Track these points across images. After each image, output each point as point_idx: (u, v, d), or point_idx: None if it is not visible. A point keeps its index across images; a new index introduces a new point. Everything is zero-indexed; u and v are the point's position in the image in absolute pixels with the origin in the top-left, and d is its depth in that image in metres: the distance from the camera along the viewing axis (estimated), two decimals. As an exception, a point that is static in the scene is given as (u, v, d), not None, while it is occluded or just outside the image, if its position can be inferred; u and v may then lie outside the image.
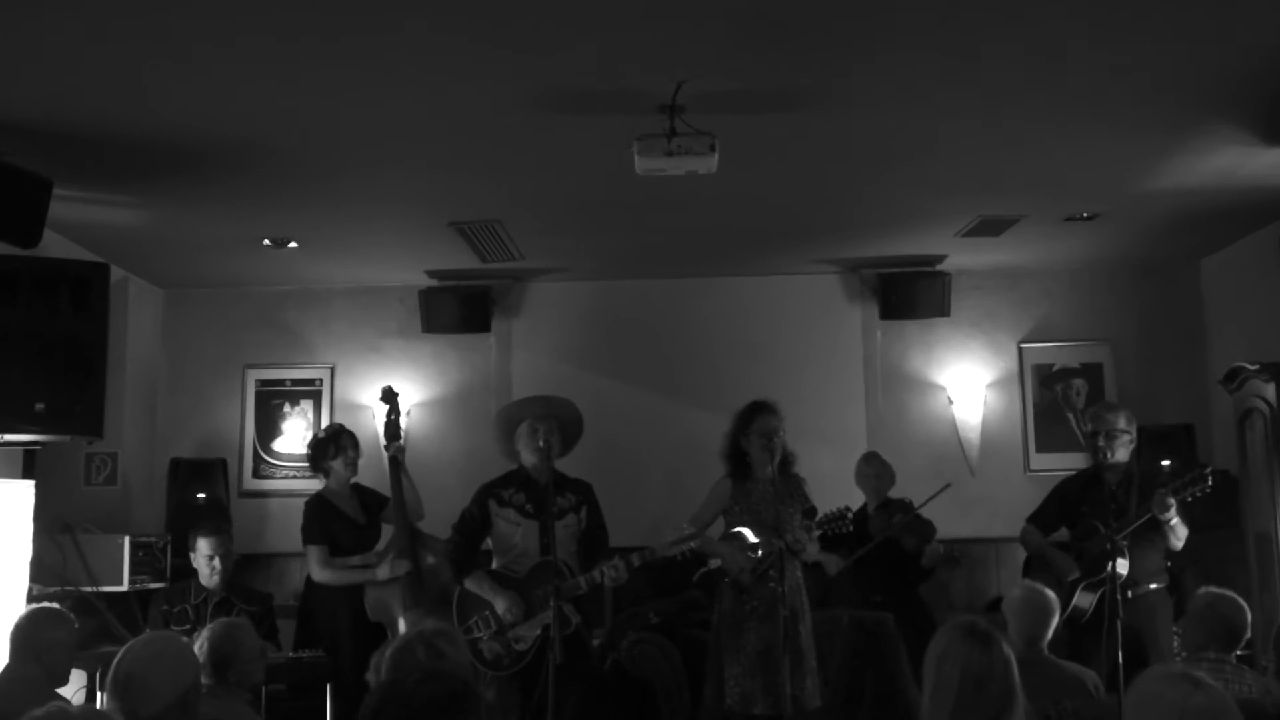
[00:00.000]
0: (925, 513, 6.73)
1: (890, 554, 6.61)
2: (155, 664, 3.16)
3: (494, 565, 5.68)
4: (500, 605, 5.44)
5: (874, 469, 6.98)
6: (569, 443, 5.77)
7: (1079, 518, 5.98)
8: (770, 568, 5.53)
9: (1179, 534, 5.71)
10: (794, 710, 5.45)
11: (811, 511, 5.73)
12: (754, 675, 5.54)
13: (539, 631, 5.33)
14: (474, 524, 5.67)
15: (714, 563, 5.89)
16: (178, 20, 4.08)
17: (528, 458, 5.62)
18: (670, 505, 6.62)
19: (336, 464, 6.31)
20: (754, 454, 5.77)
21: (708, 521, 5.80)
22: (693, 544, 5.52)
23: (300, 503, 6.44)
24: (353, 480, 6.41)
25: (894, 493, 6.97)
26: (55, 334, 5.45)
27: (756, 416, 5.81)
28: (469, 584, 5.56)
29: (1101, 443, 5.89)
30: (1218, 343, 8.01)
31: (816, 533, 5.68)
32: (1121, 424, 5.92)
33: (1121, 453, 5.91)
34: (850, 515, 5.81)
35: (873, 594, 6.38)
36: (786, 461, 5.80)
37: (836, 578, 6.58)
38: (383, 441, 6.32)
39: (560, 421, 5.67)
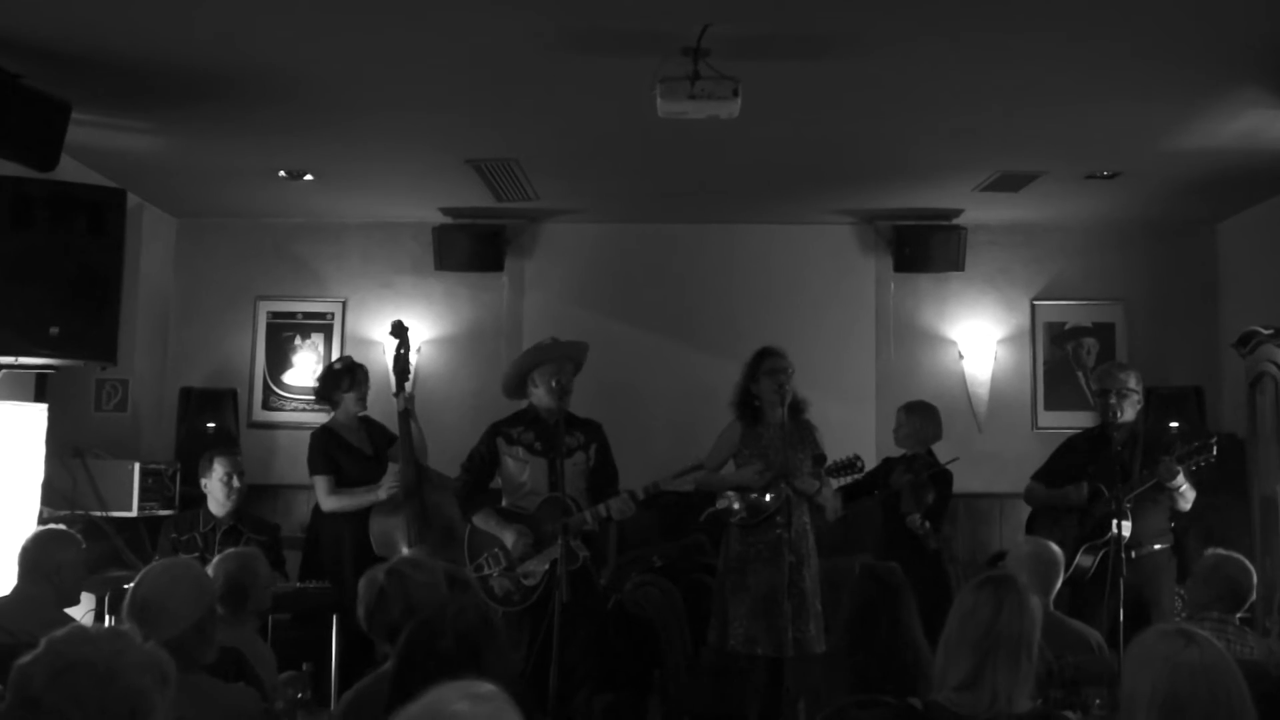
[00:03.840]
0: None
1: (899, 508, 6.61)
2: (173, 589, 3.19)
3: (503, 503, 5.72)
4: (509, 538, 5.49)
5: (898, 420, 6.90)
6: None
7: (1084, 478, 5.98)
8: (777, 512, 5.59)
9: (1187, 498, 5.73)
10: (796, 653, 5.55)
11: (821, 458, 5.79)
12: (757, 617, 5.65)
13: (548, 567, 5.38)
14: (483, 462, 5.71)
15: (721, 503, 5.95)
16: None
17: (541, 398, 5.62)
18: (679, 449, 6.61)
19: (349, 397, 6.33)
20: (764, 398, 5.87)
21: (718, 466, 5.89)
22: (698, 475, 5.58)
23: (309, 435, 6.47)
24: (361, 414, 6.44)
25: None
26: (71, 259, 5.44)
27: (765, 360, 5.92)
28: (477, 520, 5.61)
29: (1112, 400, 5.89)
30: (1231, 306, 7.99)
31: (833, 481, 5.75)
32: (1131, 383, 5.93)
33: (1129, 412, 5.92)
34: (860, 464, 5.87)
35: (893, 541, 6.37)
36: (797, 407, 5.92)
37: (836, 524, 6.59)
38: (392, 379, 6.32)
39: (574, 365, 5.71)
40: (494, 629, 2.75)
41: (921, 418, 6.84)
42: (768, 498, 5.70)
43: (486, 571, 5.49)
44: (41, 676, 2.16)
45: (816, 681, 4.03)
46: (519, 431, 5.69)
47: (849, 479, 6.10)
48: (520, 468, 5.65)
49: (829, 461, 5.83)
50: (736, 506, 5.83)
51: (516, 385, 5.79)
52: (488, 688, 1.95)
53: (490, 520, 5.59)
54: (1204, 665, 2.41)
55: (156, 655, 2.28)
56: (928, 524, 6.47)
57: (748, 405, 5.97)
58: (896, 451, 6.88)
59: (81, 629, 2.27)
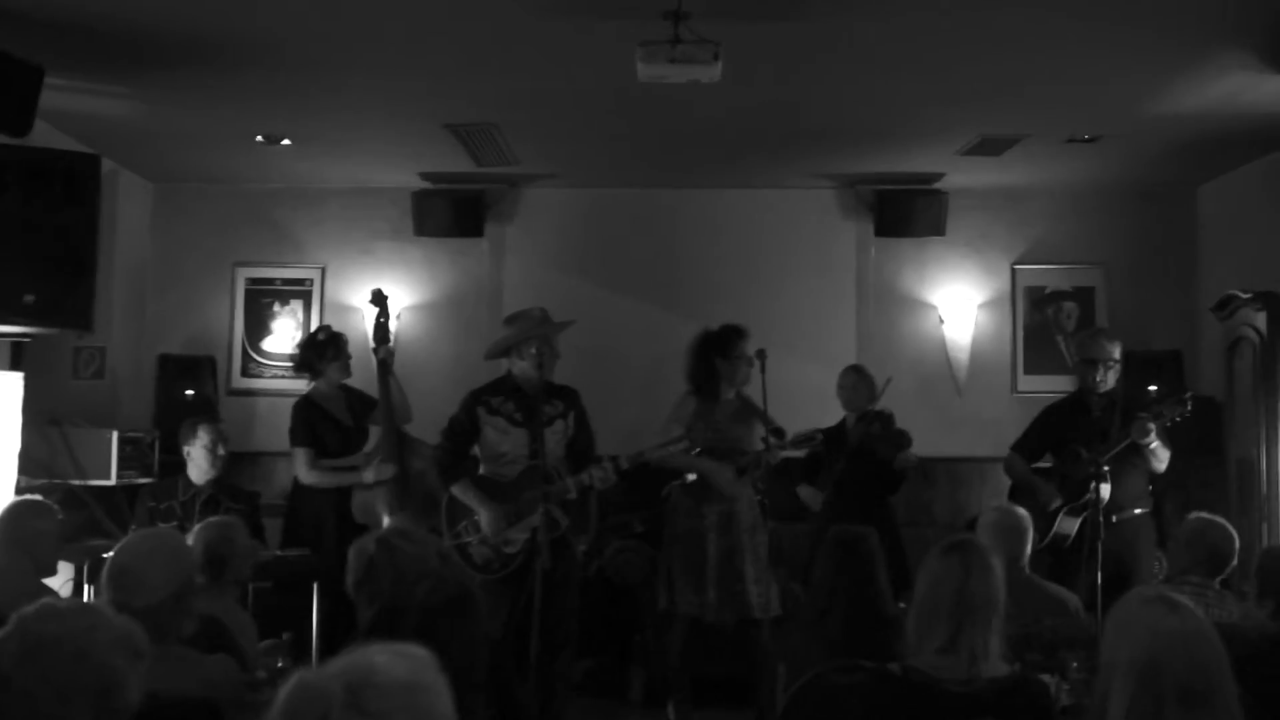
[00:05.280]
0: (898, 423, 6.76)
1: (865, 466, 6.60)
2: (150, 558, 3.18)
3: (480, 471, 5.71)
4: (485, 519, 5.48)
5: (850, 381, 6.93)
6: None
7: (1063, 444, 6.00)
8: (759, 480, 5.68)
9: (1160, 457, 5.76)
10: (754, 617, 5.78)
11: (780, 432, 5.85)
12: (714, 585, 5.83)
13: (528, 535, 5.38)
14: (462, 431, 5.68)
15: (690, 477, 5.99)
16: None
17: (525, 369, 5.59)
18: (659, 415, 6.62)
19: (334, 367, 6.31)
20: (730, 376, 6.01)
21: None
22: (683, 445, 5.61)
23: (288, 403, 6.45)
24: (342, 382, 6.41)
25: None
26: (46, 226, 5.36)
27: (741, 341, 6.00)
28: (456, 491, 5.58)
29: (1100, 374, 5.90)
30: (1210, 270, 8.00)
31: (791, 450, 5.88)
32: (1117, 354, 5.95)
33: (1112, 380, 5.95)
34: (820, 437, 5.93)
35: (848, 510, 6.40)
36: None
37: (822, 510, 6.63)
38: (371, 344, 6.32)
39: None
40: (464, 609, 2.75)
41: (867, 376, 6.88)
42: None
43: (466, 539, 5.48)
44: (11, 655, 2.14)
45: (797, 646, 4.06)
46: (499, 401, 5.64)
47: (814, 448, 6.16)
48: (501, 438, 5.62)
49: (789, 435, 5.88)
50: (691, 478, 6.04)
51: (502, 354, 5.78)
52: (415, 649, 1.90)
53: (469, 494, 5.56)
54: (1184, 633, 2.42)
55: (128, 630, 2.26)
56: (917, 460, 6.58)
57: (710, 378, 6.04)
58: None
59: (51, 605, 2.24)
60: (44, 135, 5.89)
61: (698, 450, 5.83)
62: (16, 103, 5.12)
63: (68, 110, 6.20)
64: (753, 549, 5.86)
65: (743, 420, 6.02)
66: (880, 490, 6.67)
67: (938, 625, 2.93)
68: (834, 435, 6.72)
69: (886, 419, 6.65)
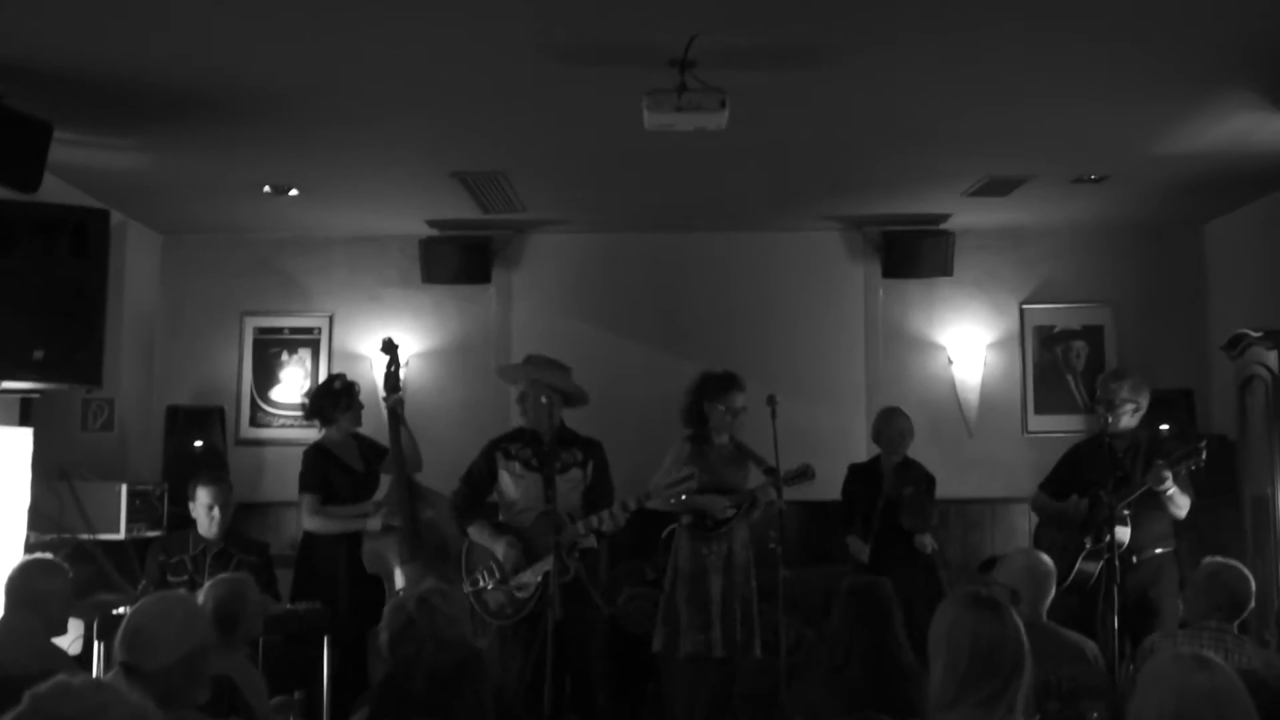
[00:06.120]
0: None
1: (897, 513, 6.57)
2: (163, 621, 3.17)
3: (500, 519, 5.76)
4: (500, 549, 5.54)
5: (882, 425, 6.85)
6: (569, 403, 5.86)
7: (1088, 484, 5.97)
8: (727, 522, 5.86)
9: (1178, 503, 5.72)
10: (742, 656, 5.82)
11: (772, 470, 5.82)
12: (713, 624, 5.80)
13: (541, 578, 5.39)
14: (480, 476, 5.81)
15: (686, 519, 5.97)
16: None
17: (522, 414, 5.70)
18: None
19: (346, 416, 6.32)
20: (718, 423, 6.01)
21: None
22: (693, 484, 5.60)
23: (297, 452, 6.45)
24: (353, 431, 6.41)
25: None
26: (54, 281, 5.36)
27: (731, 390, 6.00)
28: (472, 533, 5.70)
29: (1111, 416, 5.87)
30: (1220, 308, 7.98)
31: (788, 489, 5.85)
32: (1125, 392, 5.91)
33: (1126, 420, 5.91)
34: (812, 471, 5.89)
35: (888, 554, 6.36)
36: None
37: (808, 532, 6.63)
38: (382, 393, 6.31)
39: (550, 388, 5.69)
40: (473, 670, 2.72)
41: (899, 418, 6.80)
42: (730, 513, 5.91)
43: (482, 584, 5.58)
44: None
45: (814, 698, 4.03)
46: (517, 448, 5.79)
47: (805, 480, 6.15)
48: (516, 483, 5.71)
49: (783, 472, 5.84)
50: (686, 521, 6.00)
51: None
52: None
53: (484, 532, 5.67)
54: (1211, 690, 2.40)
55: (141, 708, 2.23)
56: (937, 546, 6.47)
57: (701, 424, 6.06)
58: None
59: (65, 683, 2.21)
60: (52, 187, 5.89)
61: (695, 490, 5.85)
62: (26, 159, 5.15)
63: (76, 164, 6.22)
64: (743, 590, 5.88)
65: (736, 464, 6.05)
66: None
67: (985, 681, 2.86)
68: (868, 473, 6.67)
69: (919, 484, 6.58)
